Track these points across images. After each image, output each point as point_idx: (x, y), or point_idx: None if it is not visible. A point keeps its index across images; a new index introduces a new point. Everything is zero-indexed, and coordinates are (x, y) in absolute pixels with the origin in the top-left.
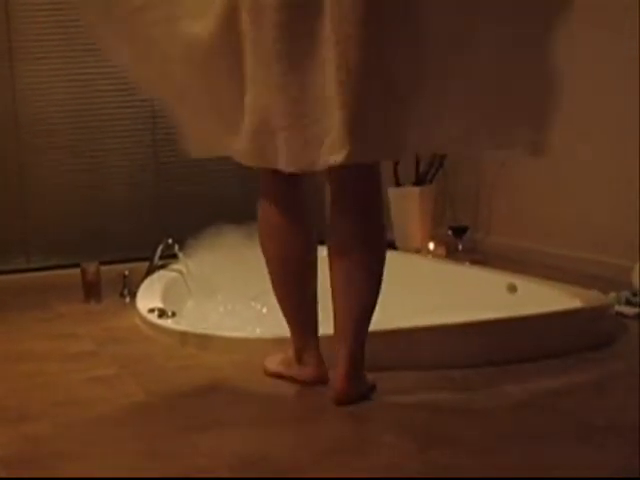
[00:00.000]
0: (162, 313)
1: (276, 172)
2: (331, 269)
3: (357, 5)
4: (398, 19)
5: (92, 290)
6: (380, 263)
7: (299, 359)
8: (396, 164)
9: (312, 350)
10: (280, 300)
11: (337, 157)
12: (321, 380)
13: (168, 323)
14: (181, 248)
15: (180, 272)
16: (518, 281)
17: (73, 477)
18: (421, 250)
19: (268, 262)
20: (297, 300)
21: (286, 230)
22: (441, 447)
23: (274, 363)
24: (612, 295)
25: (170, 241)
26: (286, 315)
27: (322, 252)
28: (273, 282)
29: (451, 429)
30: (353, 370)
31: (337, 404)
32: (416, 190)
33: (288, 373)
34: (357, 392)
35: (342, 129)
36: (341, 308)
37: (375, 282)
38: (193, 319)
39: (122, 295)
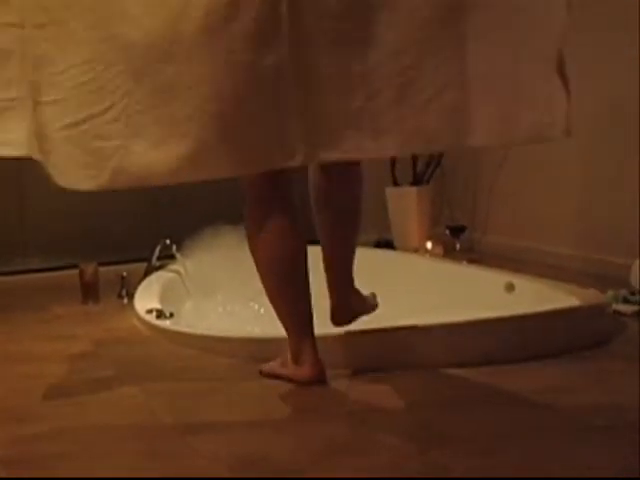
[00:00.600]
0: (160, 314)
1: (264, 175)
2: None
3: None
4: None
5: (90, 291)
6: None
7: (296, 359)
8: (393, 164)
9: (309, 349)
10: (274, 301)
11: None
12: (318, 379)
13: (166, 324)
14: (179, 249)
15: (178, 273)
16: (516, 280)
17: (73, 477)
18: (419, 249)
19: (261, 265)
20: (292, 300)
21: (278, 231)
22: (441, 447)
23: (270, 364)
24: (610, 293)
25: (168, 242)
26: (281, 316)
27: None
28: (267, 284)
29: (450, 429)
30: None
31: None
32: (413, 190)
33: (285, 373)
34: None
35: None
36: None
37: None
38: (191, 320)
39: (120, 296)
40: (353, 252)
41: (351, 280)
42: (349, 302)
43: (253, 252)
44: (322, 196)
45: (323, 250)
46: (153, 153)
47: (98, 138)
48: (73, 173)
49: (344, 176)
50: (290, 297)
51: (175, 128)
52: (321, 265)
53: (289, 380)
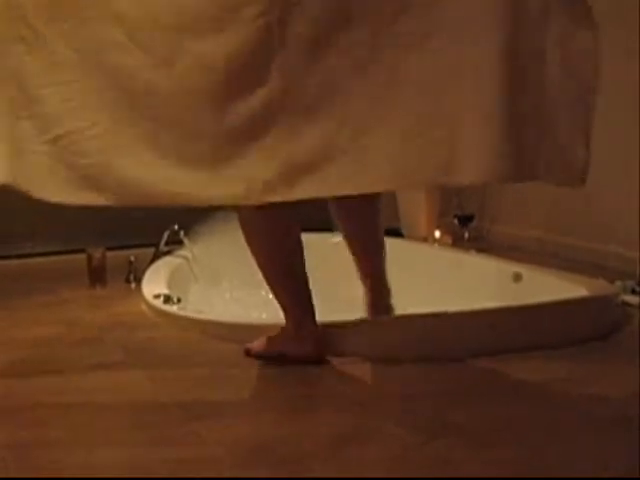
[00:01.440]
0: (167, 299)
1: None
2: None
3: None
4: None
5: (97, 276)
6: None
7: (298, 336)
8: None
9: (311, 325)
10: (272, 281)
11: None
12: (320, 356)
13: (173, 309)
14: (187, 234)
15: (186, 258)
16: (523, 270)
17: (74, 475)
18: (427, 238)
19: (257, 250)
20: (293, 280)
21: (272, 216)
22: (445, 438)
23: (257, 344)
24: (618, 284)
25: (176, 227)
26: (281, 294)
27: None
28: (270, 268)
29: (454, 420)
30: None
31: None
32: None
33: (283, 350)
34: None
35: None
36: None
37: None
38: (198, 305)
39: (128, 281)
40: (384, 253)
41: (386, 280)
42: (384, 299)
43: (249, 238)
44: (343, 209)
45: (356, 258)
46: (143, 173)
47: (77, 154)
48: (54, 186)
49: None
50: (291, 276)
51: (169, 150)
52: (335, 253)
53: (290, 358)
